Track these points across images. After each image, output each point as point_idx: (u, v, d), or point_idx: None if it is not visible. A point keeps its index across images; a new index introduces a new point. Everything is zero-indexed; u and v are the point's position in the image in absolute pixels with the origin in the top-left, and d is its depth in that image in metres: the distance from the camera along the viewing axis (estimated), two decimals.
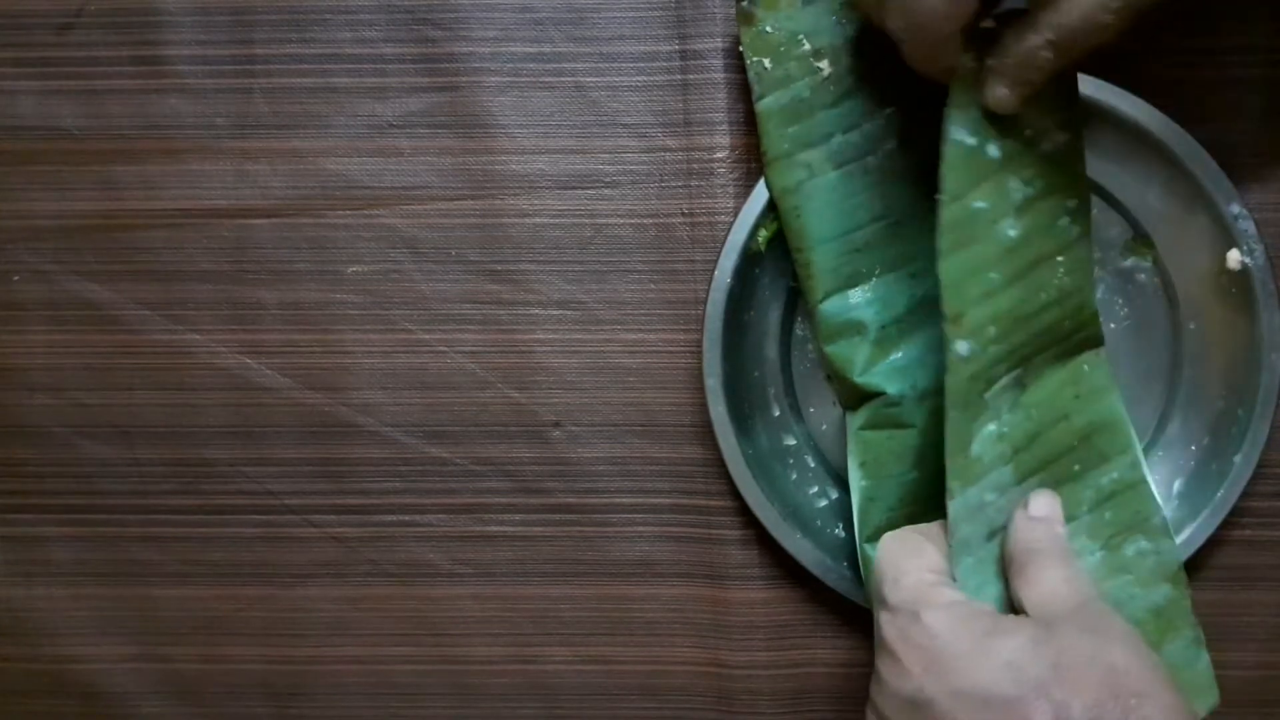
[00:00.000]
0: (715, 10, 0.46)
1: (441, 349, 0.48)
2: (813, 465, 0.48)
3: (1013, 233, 0.41)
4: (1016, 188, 0.41)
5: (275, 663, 0.50)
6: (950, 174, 0.40)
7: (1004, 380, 0.42)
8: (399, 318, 0.48)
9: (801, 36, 0.44)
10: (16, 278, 0.49)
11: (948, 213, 0.40)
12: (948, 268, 0.41)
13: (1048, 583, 0.38)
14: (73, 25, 0.48)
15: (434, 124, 0.48)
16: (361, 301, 0.48)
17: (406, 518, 0.49)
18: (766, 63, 0.44)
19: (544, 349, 0.48)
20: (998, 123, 0.41)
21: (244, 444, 0.49)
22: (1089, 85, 0.43)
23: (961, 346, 0.41)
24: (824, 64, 0.44)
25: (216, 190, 0.48)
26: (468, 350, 0.48)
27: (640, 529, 0.48)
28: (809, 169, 0.44)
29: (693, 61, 0.47)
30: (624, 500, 0.48)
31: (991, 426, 0.42)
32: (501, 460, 0.49)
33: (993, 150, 0.41)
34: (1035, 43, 0.38)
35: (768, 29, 0.44)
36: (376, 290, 0.48)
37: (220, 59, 0.48)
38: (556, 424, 0.48)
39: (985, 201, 0.41)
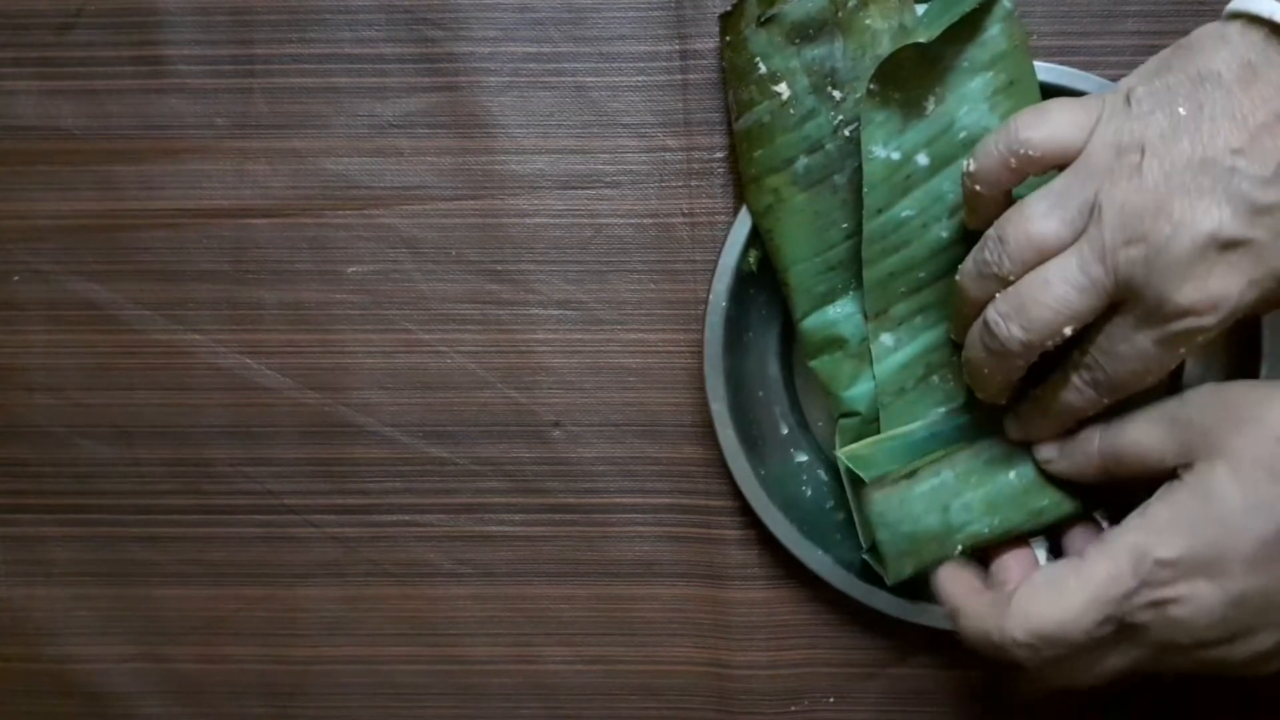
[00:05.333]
0: (715, 10, 0.46)
1: (441, 349, 0.48)
2: (826, 479, 0.48)
3: (945, 234, 0.43)
4: (950, 189, 0.42)
5: (275, 663, 0.50)
6: (872, 192, 0.42)
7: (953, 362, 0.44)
8: (399, 318, 0.48)
9: (758, 59, 0.43)
10: (16, 278, 0.49)
11: (870, 226, 0.43)
12: (871, 274, 0.43)
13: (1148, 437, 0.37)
14: (73, 25, 0.48)
15: (434, 124, 0.48)
16: (361, 301, 0.48)
17: (406, 518, 0.49)
18: (735, 85, 0.44)
19: (544, 349, 0.48)
20: (919, 131, 0.42)
21: (244, 444, 0.49)
22: (1064, 76, 0.43)
23: (887, 339, 0.44)
24: (781, 87, 0.43)
25: (216, 190, 0.48)
26: (468, 350, 0.48)
27: (640, 529, 0.48)
28: (776, 193, 0.44)
29: (693, 61, 0.47)
30: (624, 500, 0.48)
31: (941, 409, 0.44)
32: (501, 460, 0.49)
33: (922, 159, 0.42)
34: None
35: (732, 50, 0.44)
36: (376, 290, 0.48)
37: (220, 59, 0.48)
38: (556, 424, 0.48)
39: (913, 209, 0.42)
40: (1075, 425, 0.40)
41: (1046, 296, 0.36)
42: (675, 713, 0.49)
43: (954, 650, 0.47)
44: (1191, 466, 0.35)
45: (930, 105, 0.42)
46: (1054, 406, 0.39)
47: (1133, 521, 0.36)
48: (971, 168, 0.39)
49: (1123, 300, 0.36)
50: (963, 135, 0.42)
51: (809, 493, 0.47)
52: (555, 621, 0.49)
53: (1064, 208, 0.36)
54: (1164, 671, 0.37)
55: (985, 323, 0.38)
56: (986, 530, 0.42)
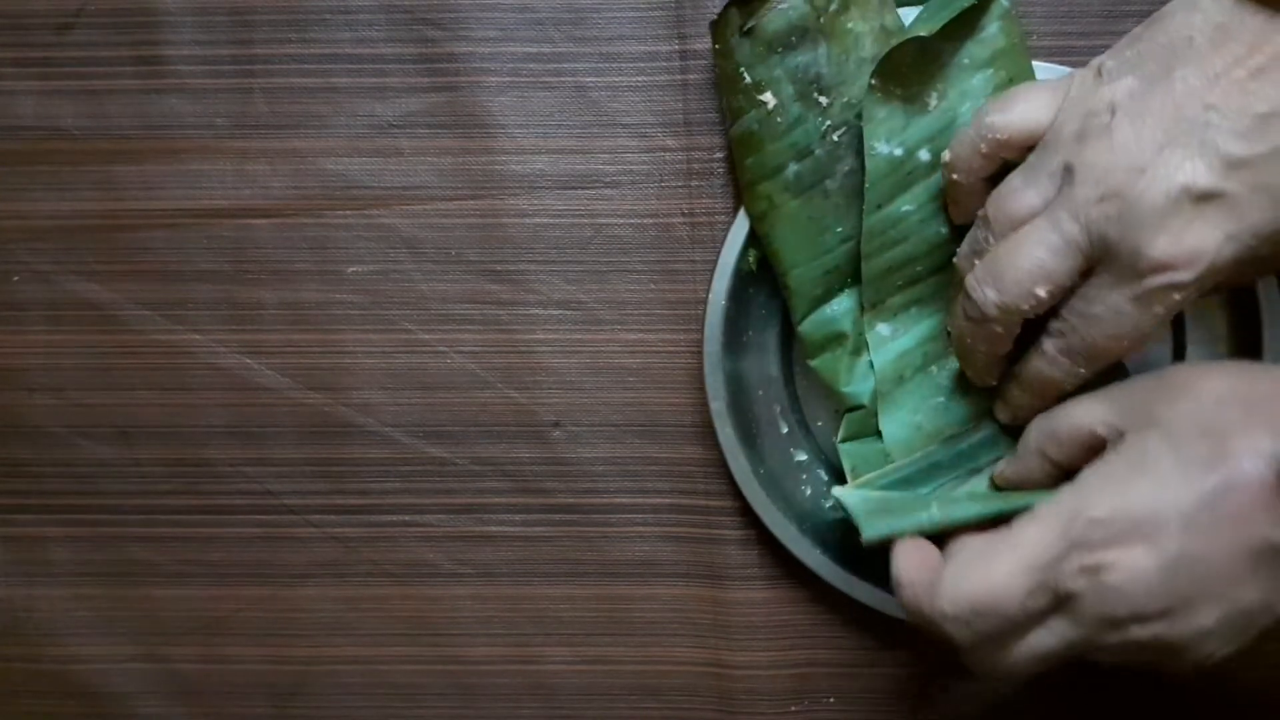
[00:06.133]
0: (715, 10, 0.46)
1: (441, 349, 0.48)
2: (825, 479, 0.47)
3: (944, 229, 0.43)
4: None
5: (275, 663, 0.50)
6: (873, 188, 0.42)
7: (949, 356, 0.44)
8: (399, 318, 0.48)
9: (743, 69, 0.43)
10: (16, 278, 0.49)
11: (870, 222, 0.43)
12: (869, 267, 0.43)
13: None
14: (73, 25, 0.48)
15: (434, 124, 0.48)
16: (361, 301, 0.48)
17: (406, 518, 0.49)
18: (726, 93, 0.44)
19: (544, 349, 0.48)
20: (922, 127, 0.42)
21: (244, 444, 0.49)
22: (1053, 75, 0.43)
23: (883, 328, 0.44)
24: (767, 96, 0.43)
25: (216, 190, 0.48)
26: (468, 350, 0.48)
27: (640, 529, 0.48)
28: (769, 200, 0.44)
29: (693, 61, 0.47)
30: (624, 500, 0.48)
31: (940, 398, 0.44)
32: (501, 460, 0.49)
33: (924, 155, 0.42)
34: None
35: (721, 58, 0.44)
36: (376, 290, 0.48)
37: (220, 59, 0.48)
38: (556, 424, 0.48)
39: (913, 204, 0.42)
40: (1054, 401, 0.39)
41: (1019, 257, 0.36)
42: (675, 713, 0.49)
43: (954, 651, 0.47)
44: (1124, 436, 0.35)
45: (933, 101, 0.42)
46: (1031, 379, 0.39)
47: (1064, 489, 0.35)
48: (947, 157, 0.39)
49: (1098, 260, 0.35)
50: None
51: (808, 491, 0.47)
52: (555, 621, 0.49)
53: (1037, 177, 0.37)
54: (1102, 660, 0.35)
55: (964, 290, 0.38)
56: (964, 512, 0.40)
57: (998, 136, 0.37)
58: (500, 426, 0.48)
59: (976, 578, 0.34)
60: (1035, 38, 0.46)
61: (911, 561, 0.38)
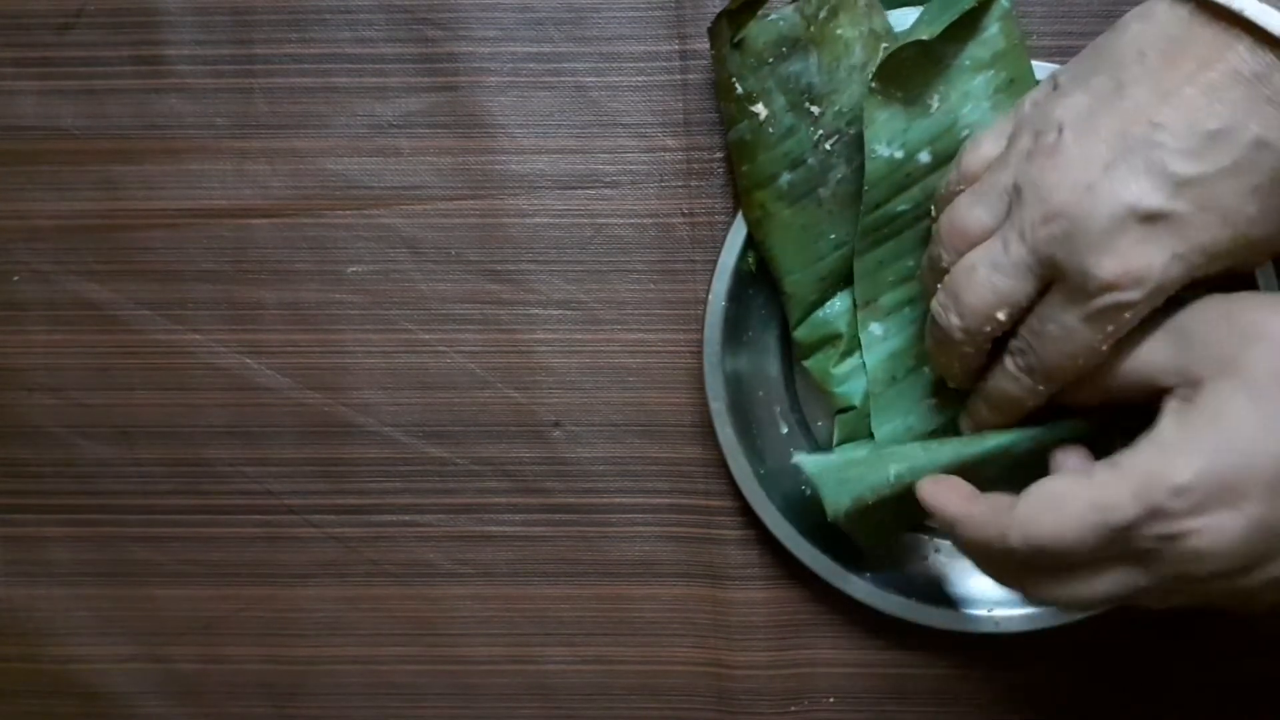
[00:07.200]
0: (715, 10, 0.46)
1: (441, 349, 0.48)
2: None
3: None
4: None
5: (275, 663, 0.50)
6: (872, 190, 0.42)
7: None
8: (399, 318, 0.48)
9: (734, 79, 0.43)
10: (16, 278, 0.49)
11: (865, 221, 0.43)
12: (861, 263, 0.43)
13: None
14: (73, 25, 0.48)
15: (434, 124, 0.48)
16: (361, 301, 0.48)
17: (406, 518, 0.49)
18: (722, 100, 0.44)
19: (544, 349, 0.48)
20: (923, 129, 0.42)
21: (244, 444, 0.49)
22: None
23: (876, 328, 0.44)
24: (758, 107, 0.43)
25: (216, 190, 0.48)
26: (468, 350, 0.48)
27: (640, 529, 0.48)
28: (763, 208, 0.44)
29: (693, 61, 0.47)
30: (624, 500, 0.48)
31: (931, 399, 0.44)
32: (501, 460, 0.49)
33: (924, 156, 0.42)
34: None
35: (717, 65, 0.44)
36: (376, 290, 0.48)
37: (220, 59, 0.48)
38: (556, 424, 0.48)
39: (908, 204, 0.42)
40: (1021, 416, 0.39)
41: (973, 282, 0.36)
42: (675, 713, 0.49)
43: (954, 650, 0.47)
44: (1201, 386, 0.33)
45: (935, 103, 0.42)
46: (994, 396, 0.39)
47: (1144, 445, 0.33)
48: (934, 213, 0.40)
49: (1051, 280, 0.35)
50: (965, 133, 0.42)
51: (808, 492, 0.47)
52: (555, 621, 0.49)
53: (986, 195, 0.36)
54: (1162, 605, 0.35)
55: (930, 314, 0.38)
56: (923, 456, 0.39)
57: (964, 189, 0.38)
58: (500, 426, 0.48)
59: (1048, 524, 0.33)
60: (1035, 38, 0.46)
61: (953, 496, 0.37)
